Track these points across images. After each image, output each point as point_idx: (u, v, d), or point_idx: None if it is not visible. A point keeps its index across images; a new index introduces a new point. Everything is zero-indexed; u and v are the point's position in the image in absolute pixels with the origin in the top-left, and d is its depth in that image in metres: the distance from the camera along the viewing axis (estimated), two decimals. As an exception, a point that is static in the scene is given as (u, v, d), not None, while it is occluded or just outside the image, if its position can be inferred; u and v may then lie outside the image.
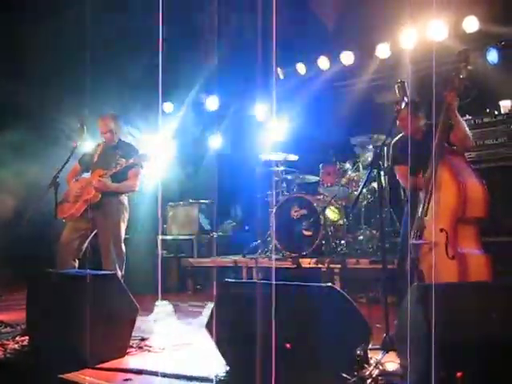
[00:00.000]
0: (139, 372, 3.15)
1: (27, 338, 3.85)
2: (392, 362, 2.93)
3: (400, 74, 5.99)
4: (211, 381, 2.93)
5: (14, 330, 4.27)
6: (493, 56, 6.10)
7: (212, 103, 8.55)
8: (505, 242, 4.67)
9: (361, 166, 6.53)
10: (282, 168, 6.90)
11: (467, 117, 5.17)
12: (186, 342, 3.91)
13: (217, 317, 3.08)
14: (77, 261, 4.78)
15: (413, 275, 3.51)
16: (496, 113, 5.27)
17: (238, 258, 6.82)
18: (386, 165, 5.80)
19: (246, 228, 7.76)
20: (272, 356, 2.59)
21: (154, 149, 6.16)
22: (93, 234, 4.85)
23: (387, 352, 3.15)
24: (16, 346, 3.80)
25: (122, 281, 3.83)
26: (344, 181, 6.52)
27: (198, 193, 8.05)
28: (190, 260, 7.24)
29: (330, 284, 2.89)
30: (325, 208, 6.13)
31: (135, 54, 7.18)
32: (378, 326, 3.37)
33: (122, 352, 3.52)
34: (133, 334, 3.67)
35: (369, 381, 2.68)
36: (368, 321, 2.86)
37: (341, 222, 6.45)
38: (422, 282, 3.48)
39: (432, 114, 3.71)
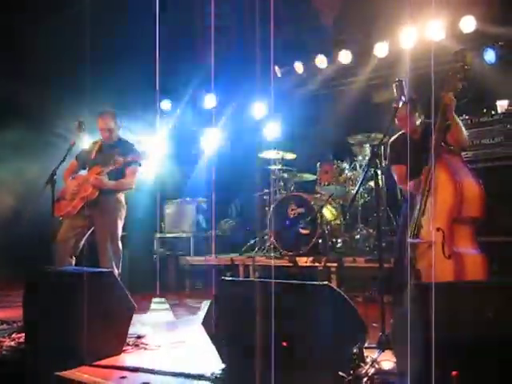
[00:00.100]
0: (135, 369, 3.15)
1: (24, 335, 3.85)
2: (388, 361, 2.94)
3: (398, 73, 6.00)
4: (207, 378, 2.94)
5: (10, 327, 4.28)
6: (490, 56, 6.12)
7: (210, 101, 8.54)
8: (501, 242, 4.69)
9: (358, 165, 6.54)
10: (279, 166, 6.90)
11: (464, 116, 5.19)
12: (183, 340, 3.92)
13: (213, 314, 3.08)
14: (74, 258, 4.78)
15: (409, 274, 3.52)
16: (493, 112, 5.28)
17: (235, 256, 6.82)
18: (383, 164, 5.83)
19: (248, 229, 7.75)
20: (268, 354, 2.59)
21: (152, 147, 6.17)
22: (90, 231, 4.85)
23: (383, 351, 3.16)
24: (12, 343, 3.79)
25: (119, 278, 3.83)
26: (341, 179, 6.53)
27: (195, 191, 8.05)
28: (187, 258, 7.24)
29: (326, 283, 2.89)
30: (322, 207, 6.14)
31: (134, 53, 7.17)
32: (374, 324, 3.38)
33: (118, 349, 3.52)
34: (129, 331, 3.67)
35: (365, 379, 2.69)
36: (364, 319, 2.87)
37: (338, 220, 6.46)
38: (418, 281, 3.49)
39: (429, 114, 3.72)
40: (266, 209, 6.84)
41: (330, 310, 2.72)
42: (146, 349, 3.68)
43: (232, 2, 8.12)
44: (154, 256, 7.45)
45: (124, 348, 3.59)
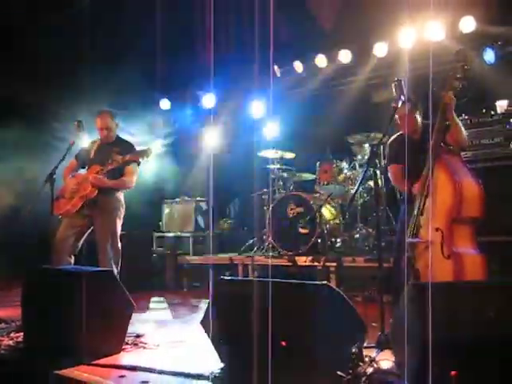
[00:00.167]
0: (134, 368, 3.15)
1: (22, 334, 3.85)
2: (387, 360, 2.94)
3: (397, 73, 6.00)
4: (206, 378, 2.94)
5: (8, 326, 4.27)
6: (489, 56, 6.12)
7: (209, 100, 8.54)
8: (501, 242, 4.69)
9: (357, 165, 6.54)
10: (278, 166, 6.90)
11: (464, 116, 5.19)
12: (182, 339, 3.92)
13: (212, 314, 3.08)
14: (73, 257, 4.77)
15: (408, 274, 3.52)
16: (492, 113, 5.28)
17: (233, 255, 6.82)
18: (382, 163, 5.83)
19: (246, 229, 7.75)
20: (267, 353, 2.59)
21: (151, 146, 6.16)
22: (89, 230, 4.84)
23: (382, 350, 3.17)
24: (11, 342, 3.79)
25: (118, 278, 3.83)
26: (340, 179, 6.53)
27: (194, 190, 8.05)
28: (186, 257, 7.24)
29: (325, 282, 2.89)
30: (321, 206, 6.14)
31: (134, 53, 7.17)
32: (373, 324, 3.39)
33: (117, 348, 3.53)
34: (128, 330, 3.67)
35: (363, 378, 2.69)
36: (363, 319, 2.87)
37: (337, 220, 6.46)
38: (417, 280, 3.49)
39: (429, 114, 3.72)
40: (265, 208, 6.84)
41: (329, 309, 2.72)
42: (144, 348, 3.68)
43: (232, 1, 8.11)
44: (153, 255, 7.45)
45: (123, 347, 3.59)
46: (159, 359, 3.35)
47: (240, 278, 6.08)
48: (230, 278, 3.55)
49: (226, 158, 8.20)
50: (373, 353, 3.08)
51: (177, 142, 8.35)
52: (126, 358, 3.45)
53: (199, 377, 2.96)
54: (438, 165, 3.61)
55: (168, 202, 7.84)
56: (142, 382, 2.93)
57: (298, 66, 7.67)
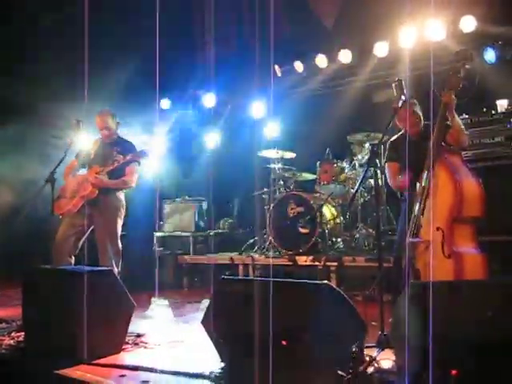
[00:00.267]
0: (135, 368, 3.15)
1: (23, 333, 3.85)
2: (387, 360, 2.94)
3: (398, 73, 6.01)
4: (207, 377, 2.94)
5: (9, 326, 4.27)
6: (490, 55, 6.12)
7: (209, 100, 8.54)
8: (502, 241, 4.69)
9: (357, 164, 6.54)
10: (279, 165, 6.90)
11: (464, 116, 5.19)
12: (182, 339, 3.92)
13: (213, 313, 3.08)
14: (73, 257, 4.77)
15: (409, 273, 3.52)
16: (493, 112, 5.28)
17: (234, 255, 6.82)
18: (382, 163, 5.82)
19: (247, 228, 7.75)
20: (267, 353, 2.59)
21: (151, 145, 6.17)
22: (89, 230, 4.84)
23: (382, 350, 3.16)
24: (11, 341, 3.79)
25: (119, 277, 3.83)
26: (341, 179, 6.53)
27: (195, 190, 8.05)
28: (187, 257, 7.24)
29: (326, 282, 2.89)
30: (321, 206, 6.14)
31: (134, 53, 7.17)
32: (373, 323, 3.38)
33: (117, 348, 3.53)
34: (129, 330, 3.67)
35: (364, 378, 2.69)
36: (364, 318, 2.87)
37: (337, 219, 6.46)
38: (417, 280, 3.49)
39: (429, 113, 3.72)
40: (266, 208, 6.84)
41: (329, 308, 2.72)
42: (145, 347, 3.68)
43: (232, 2, 8.12)
44: (154, 255, 7.45)
45: (123, 347, 3.60)
46: (160, 359, 3.35)
47: (240, 277, 6.08)
48: (230, 277, 3.55)
49: (227, 157, 8.21)
50: (373, 352, 3.08)
51: (177, 142, 8.35)
52: (127, 357, 3.45)
53: (200, 376, 2.96)
54: (439, 164, 3.61)
55: (168, 202, 7.84)
56: (143, 381, 2.93)
57: (299, 65, 7.67)
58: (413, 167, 3.79)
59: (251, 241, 6.94)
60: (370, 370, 2.77)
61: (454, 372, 2.25)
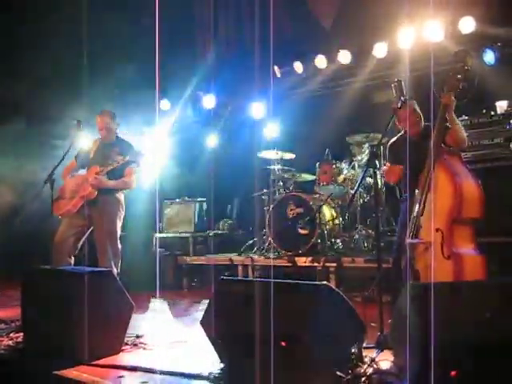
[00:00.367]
0: (134, 369, 3.15)
1: (22, 334, 3.85)
2: (386, 361, 2.94)
3: (397, 74, 6.01)
4: (206, 378, 2.94)
5: (8, 327, 4.26)
6: (489, 57, 6.12)
7: (209, 101, 8.55)
8: (501, 243, 4.69)
9: (357, 165, 6.55)
10: (278, 166, 6.90)
11: (464, 117, 5.19)
12: (181, 340, 3.91)
13: (212, 314, 3.08)
14: (72, 258, 4.77)
15: (408, 274, 3.52)
16: (492, 113, 5.29)
17: (233, 256, 6.82)
18: (382, 164, 5.83)
19: (247, 229, 7.75)
20: (267, 354, 2.59)
21: (151, 146, 6.16)
22: (89, 231, 4.84)
23: (382, 350, 3.17)
24: (10, 342, 3.79)
25: (118, 278, 3.83)
26: (340, 180, 6.54)
27: (194, 191, 8.05)
28: (186, 258, 7.24)
29: (325, 282, 2.89)
30: (321, 207, 6.14)
31: (133, 52, 7.17)
32: (372, 324, 3.38)
33: (116, 349, 3.52)
34: (128, 330, 3.67)
35: (363, 379, 2.69)
36: (363, 319, 2.87)
37: (337, 220, 6.46)
38: (417, 281, 3.49)
39: (429, 114, 3.72)
40: (265, 209, 6.84)
41: (328, 309, 2.72)
42: (144, 348, 3.67)
43: (232, 2, 8.12)
44: (153, 256, 7.44)
45: (122, 347, 3.59)
46: (159, 359, 3.34)
47: (240, 278, 6.08)
48: (230, 278, 3.55)
49: (226, 158, 8.21)
50: (372, 353, 3.08)
51: (177, 143, 8.35)
52: (126, 358, 3.45)
53: (198, 377, 2.96)
54: (439, 165, 3.61)
55: (168, 203, 7.84)
56: (142, 382, 2.93)
57: (298, 66, 7.68)
58: (413, 168, 3.79)
59: (251, 242, 6.94)
60: (369, 370, 2.77)
61: (453, 373, 2.25)
